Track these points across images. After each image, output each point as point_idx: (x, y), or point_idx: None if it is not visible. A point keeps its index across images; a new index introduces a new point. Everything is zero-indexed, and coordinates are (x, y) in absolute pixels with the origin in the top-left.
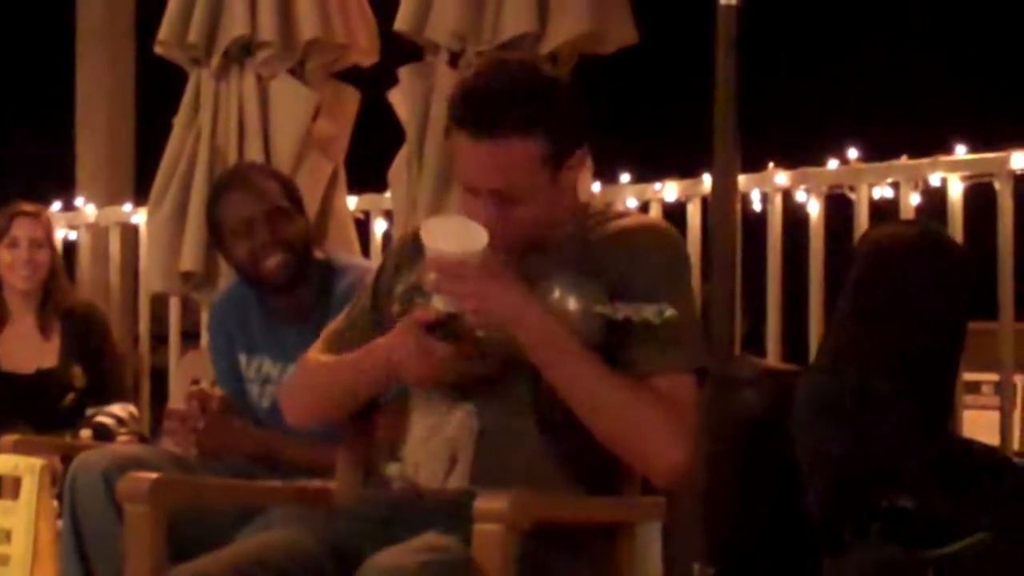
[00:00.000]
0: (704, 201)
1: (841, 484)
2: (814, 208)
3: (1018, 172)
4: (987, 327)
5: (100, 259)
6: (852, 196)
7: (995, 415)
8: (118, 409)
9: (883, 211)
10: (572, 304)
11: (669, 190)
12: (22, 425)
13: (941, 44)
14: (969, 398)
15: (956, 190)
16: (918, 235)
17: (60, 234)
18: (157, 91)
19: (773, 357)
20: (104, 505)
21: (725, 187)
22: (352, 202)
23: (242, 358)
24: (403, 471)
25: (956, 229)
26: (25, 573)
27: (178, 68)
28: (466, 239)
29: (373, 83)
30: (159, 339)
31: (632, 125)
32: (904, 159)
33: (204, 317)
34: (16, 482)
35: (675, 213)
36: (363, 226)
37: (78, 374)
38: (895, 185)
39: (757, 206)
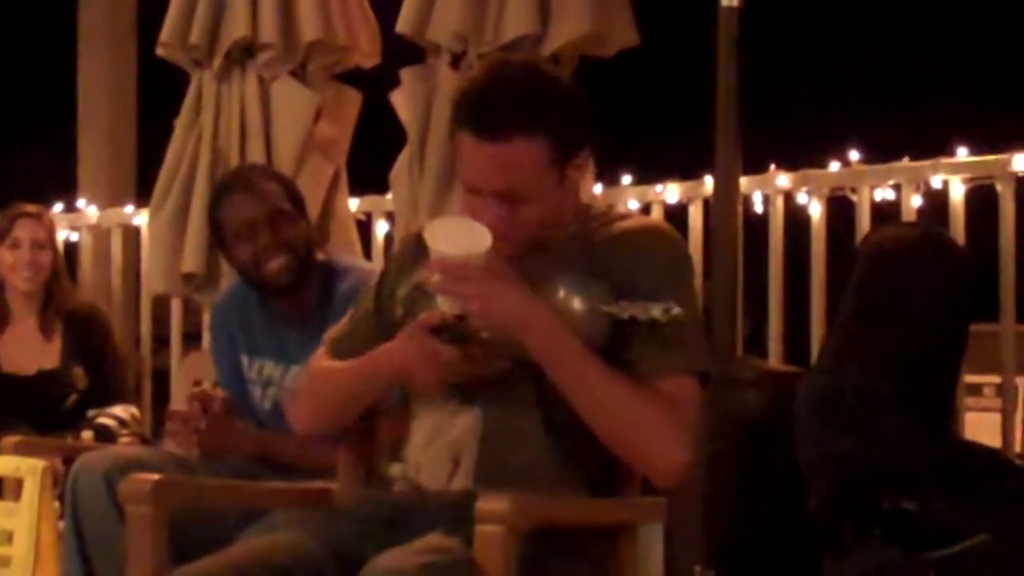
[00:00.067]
0: (706, 203)
1: (842, 485)
2: (816, 210)
3: (1020, 174)
4: (989, 329)
5: (102, 260)
6: (854, 198)
7: (997, 417)
8: (120, 410)
9: (885, 213)
10: (577, 304)
11: (671, 192)
12: (24, 426)
13: (943, 46)
14: (971, 400)
15: (958, 192)
16: (920, 237)
17: (62, 235)
18: (159, 92)
19: (775, 359)
20: (106, 506)
21: (727, 189)
22: (354, 203)
23: (244, 359)
24: (406, 472)
25: (958, 231)
26: (27, 574)
27: (180, 69)
28: (470, 240)
29: (375, 85)
30: (161, 340)
31: (634, 127)
32: (906, 161)
33: (206, 318)
34: (18, 483)
35: (677, 215)
36: (365, 228)
37: (80, 375)
38: (897, 187)
39: (759, 208)
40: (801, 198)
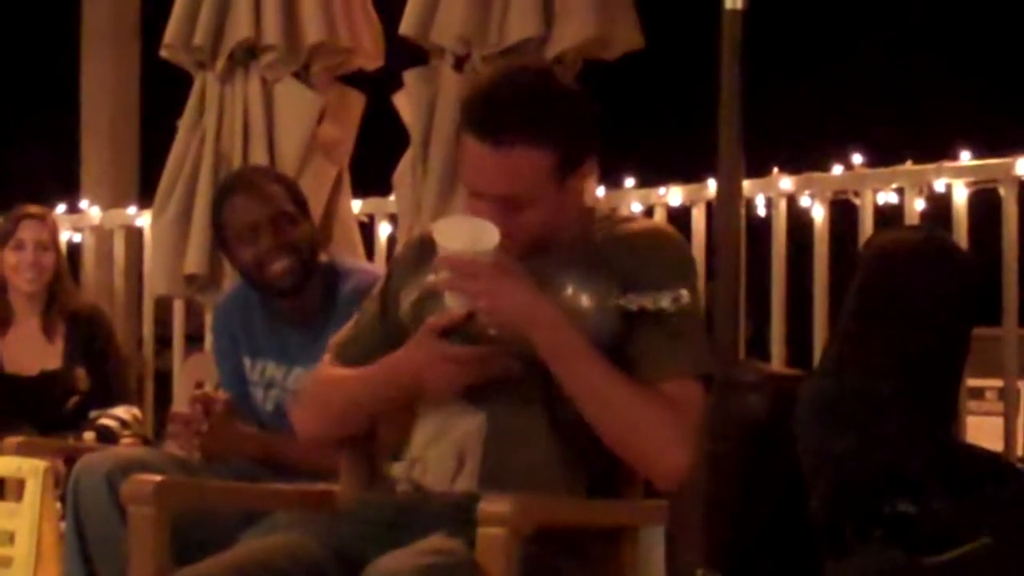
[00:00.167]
0: (709, 206)
1: (843, 487)
2: (819, 213)
3: (1023, 178)
4: (991, 333)
5: (104, 262)
6: (857, 201)
7: (999, 421)
8: (122, 411)
9: (887, 217)
10: (585, 300)
11: (674, 195)
12: (26, 427)
13: (946, 50)
14: (973, 404)
15: (960, 196)
16: (922, 241)
17: (64, 236)
18: (162, 94)
19: (777, 362)
20: (107, 507)
21: (730, 192)
22: (357, 205)
23: (246, 361)
24: (409, 472)
25: (960, 235)
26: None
27: (183, 71)
28: (478, 238)
29: (378, 87)
30: (163, 342)
31: (637, 130)
32: (909, 165)
33: (208, 320)
34: (19, 484)
35: (680, 218)
36: (368, 229)
37: (82, 376)
38: (900, 191)
39: (762, 211)
40: (804, 201)
